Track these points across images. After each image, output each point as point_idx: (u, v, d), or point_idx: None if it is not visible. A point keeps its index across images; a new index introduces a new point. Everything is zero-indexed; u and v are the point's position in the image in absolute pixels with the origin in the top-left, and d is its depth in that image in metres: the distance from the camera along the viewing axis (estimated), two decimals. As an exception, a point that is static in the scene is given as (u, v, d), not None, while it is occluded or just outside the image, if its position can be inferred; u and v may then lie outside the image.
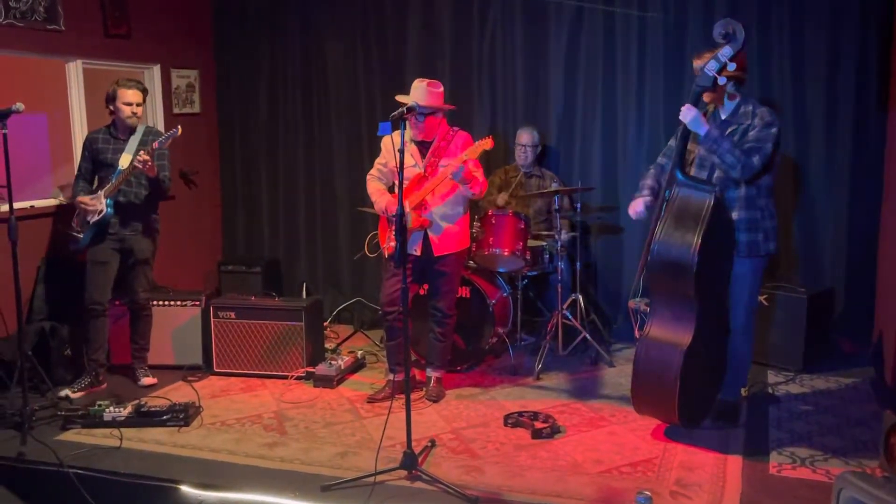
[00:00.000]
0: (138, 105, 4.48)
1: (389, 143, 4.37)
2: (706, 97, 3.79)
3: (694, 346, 3.58)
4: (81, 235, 4.44)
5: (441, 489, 3.26)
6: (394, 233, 3.86)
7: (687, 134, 3.76)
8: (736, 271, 3.82)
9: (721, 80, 3.64)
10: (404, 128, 3.50)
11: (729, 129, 3.76)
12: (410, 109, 3.56)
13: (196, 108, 6.28)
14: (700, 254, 3.51)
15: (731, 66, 3.57)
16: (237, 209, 6.60)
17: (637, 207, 4.07)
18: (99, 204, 4.38)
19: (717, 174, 3.80)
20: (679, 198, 3.66)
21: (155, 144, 4.30)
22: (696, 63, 3.79)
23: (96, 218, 4.38)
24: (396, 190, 4.33)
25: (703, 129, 3.66)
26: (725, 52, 3.56)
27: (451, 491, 3.23)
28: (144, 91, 4.55)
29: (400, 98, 4.19)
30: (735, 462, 3.52)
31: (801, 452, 3.60)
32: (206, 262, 6.40)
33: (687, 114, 3.68)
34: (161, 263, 4.77)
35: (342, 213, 6.27)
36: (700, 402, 3.84)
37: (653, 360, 3.66)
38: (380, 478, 3.33)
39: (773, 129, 3.69)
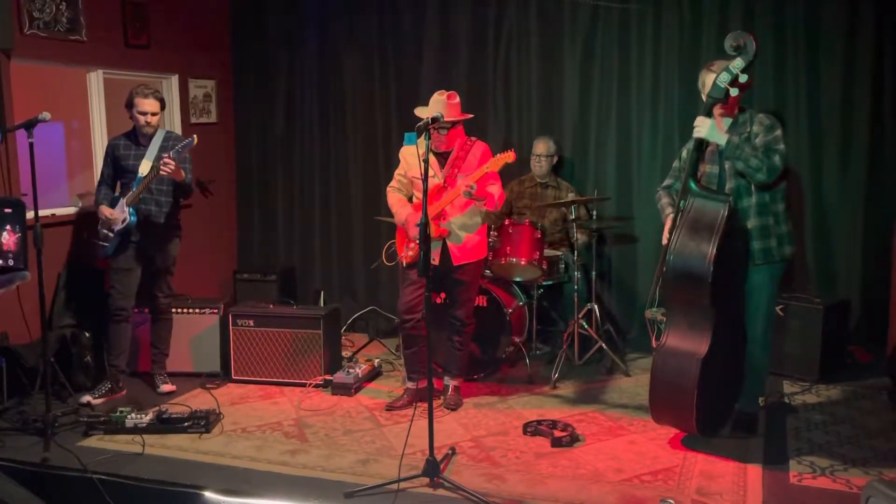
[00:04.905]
0: (153, 115, 4.51)
1: (408, 153, 4.42)
2: (717, 110, 3.81)
3: (710, 355, 3.60)
4: (107, 244, 4.49)
5: (464, 497, 3.28)
6: (416, 242, 3.88)
7: (700, 144, 3.80)
8: (753, 281, 3.85)
9: (733, 92, 3.66)
10: (429, 138, 3.53)
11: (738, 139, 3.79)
12: (435, 120, 3.60)
13: (213, 118, 6.33)
14: (715, 263, 3.53)
15: (744, 78, 3.60)
16: (253, 217, 6.65)
17: (666, 234, 4.08)
18: (122, 213, 4.43)
19: (728, 186, 3.83)
20: (694, 208, 3.69)
21: (171, 153, 4.33)
22: (705, 75, 3.82)
23: (120, 227, 4.43)
24: (415, 200, 4.40)
25: (722, 138, 3.69)
26: (737, 64, 3.60)
27: (474, 498, 3.24)
28: (162, 101, 4.56)
29: (419, 111, 4.23)
30: (755, 471, 3.54)
31: (820, 462, 3.61)
32: (221, 271, 6.44)
33: (702, 126, 3.70)
34: (177, 271, 4.80)
35: (357, 222, 6.31)
36: (718, 411, 3.86)
37: (670, 370, 3.68)
38: (402, 485, 3.35)
39: (778, 131, 3.72)
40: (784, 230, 3.83)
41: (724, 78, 3.62)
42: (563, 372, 4.86)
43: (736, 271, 3.78)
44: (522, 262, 4.70)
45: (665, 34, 5.37)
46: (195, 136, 4.41)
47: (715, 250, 3.55)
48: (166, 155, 4.29)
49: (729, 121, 3.80)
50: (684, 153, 4.04)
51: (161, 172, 4.29)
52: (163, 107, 4.59)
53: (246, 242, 6.70)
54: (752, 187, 3.76)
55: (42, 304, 3.94)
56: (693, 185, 3.73)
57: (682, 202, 3.79)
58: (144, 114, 4.48)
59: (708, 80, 3.78)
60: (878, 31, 4.90)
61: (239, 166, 6.64)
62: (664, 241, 4.03)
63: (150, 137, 4.55)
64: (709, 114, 3.73)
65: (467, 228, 4.31)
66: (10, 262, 3.86)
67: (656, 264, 4.12)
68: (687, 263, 3.61)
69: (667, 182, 4.21)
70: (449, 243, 4.28)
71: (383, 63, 6.10)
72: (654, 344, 3.99)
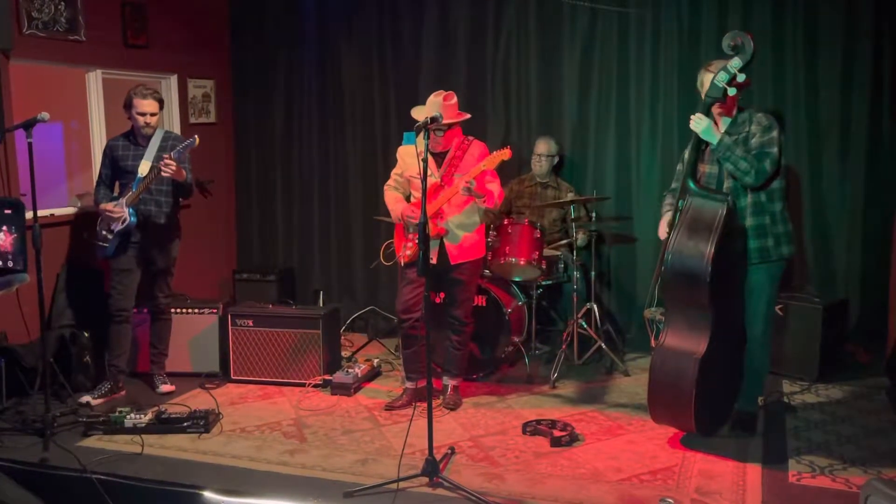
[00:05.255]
0: (152, 115, 4.51)
1: (406, 153, 4.42)
2: (716, 109, 3.81)
3: (709, 354, 3.60)
4: (107, 245, 4.48)
5: (463, 496, 3.28)
6: (416, 241, 3.88)
7: (698, 145, 3.80)
8: (751, 280, 3.85)
9: (731, 92, 3.67)
10: (427, 137, 3.53)
11: (731, 139, 3.79)
12: (434, 120, 3.60)
13: (212, 118, 6.34)
14: (713, 263, 3.54)
15: (741, 78, 3.60)
16: (252, 218, 6.65)
17: (663, 228, 4.08)
18: (122, 212, 4.42)
19: (725, 185, 3.83)
20: (692, 208, 3.69)
21: (172, 154, 4.33)
22: (703, 74, 3.83)
23: (120, 227, 4.42)
24: (413, 199, 4.40)
25: (714, 137, 3.71)
26: (735, 63, 3.60)
27: (473, 498, 3.24)
28: (160, 101, 4.56)
29: (416, 112, 4.23)
30: (754, 471, 3.54)
31: (819, 461, 3.61)
32: (220, 271, 6.45)
33: (699, 123, 3.72)
34: (176, 271, 4.81)
35: (356, 222, 6.31)
36: (717, 410, 3.86)
37: (669, 369, 3.68)
38: (402, 485, 3.35)
39: (774, 133, 3.72)
40: (781, 230, 3.83)
41: (722, 77, 3.62)
42: (563, 371, 4.86)
43: (735, 271, 3.79)
44: (521, 262, 4.70)
45: (664, 34, 5.36)
46: (196, 136, 4.40)
47: (713, 250, 3.55)
48: (167, 156, 4.28)
49: (728, 120, 3.81)
50: (686, 156, 4.04)
51: (163, 174, 4.28)
52: (161, 106, 4.58)
53: (245, 242, 6.70)
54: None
55: (41, 304, 3.94)
56: (692, 184, 3.74)
57: (680, 202, 3.79)
58: (143, 114, 4.48)
59: (706, 80, 3.78)
60: (877, 30, 4.90)
61: (238, 166, 6.64)
62: (660, 235, 4.05)
63: (149, 138, 4.55)
64: (707, 113, 3.74)
65: (465, 227, 4.31)
66: (10, 264, 3.87)
67: (655, 264, 4.12)
68: (685, 263, 3.61)
69: (673, 185, 4.22)
70: (447, 242, 4.28)
71: (383, 63, 6.10)
72: (653, 343, 3.99)
